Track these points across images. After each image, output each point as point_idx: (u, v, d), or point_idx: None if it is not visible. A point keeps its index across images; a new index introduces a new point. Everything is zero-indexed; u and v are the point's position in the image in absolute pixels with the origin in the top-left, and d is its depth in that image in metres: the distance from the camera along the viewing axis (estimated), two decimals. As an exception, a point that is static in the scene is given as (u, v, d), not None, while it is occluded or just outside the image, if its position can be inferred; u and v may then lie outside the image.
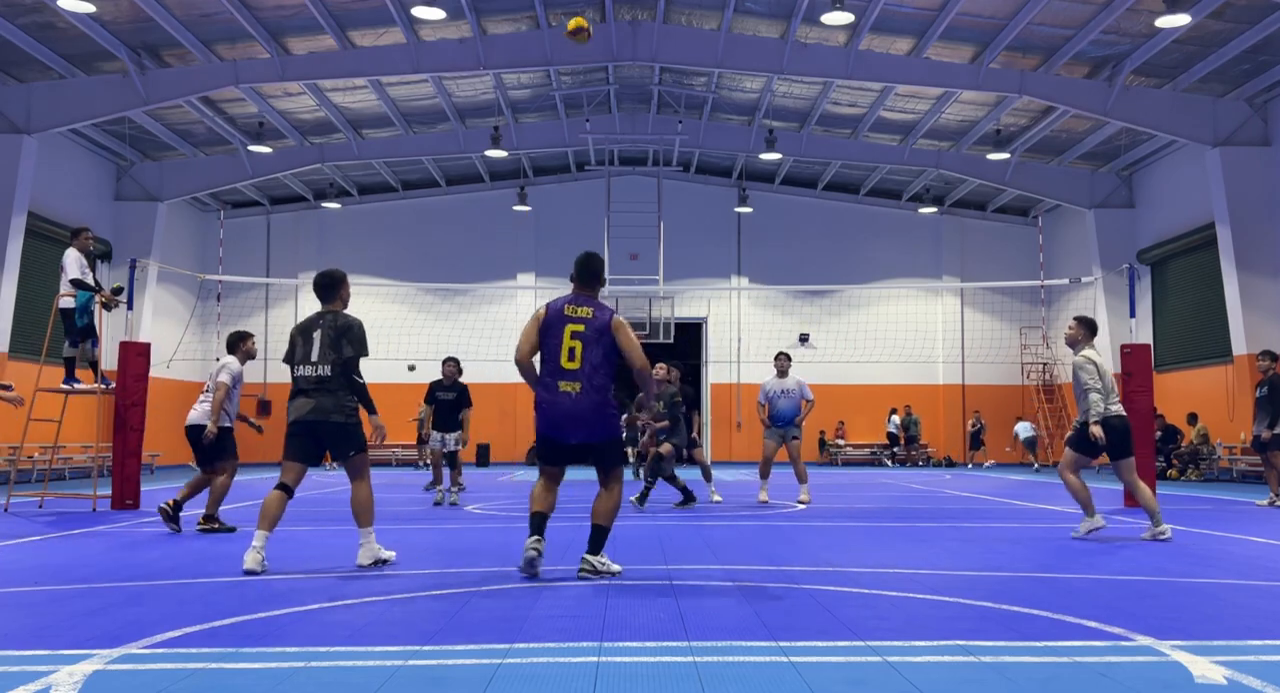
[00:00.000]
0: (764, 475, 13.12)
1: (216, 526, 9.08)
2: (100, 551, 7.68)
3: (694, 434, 13.14)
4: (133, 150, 24.02)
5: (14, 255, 19.27)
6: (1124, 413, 8.62)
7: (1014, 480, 19.83)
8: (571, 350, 6.08)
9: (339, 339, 6.68)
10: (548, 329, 6.17)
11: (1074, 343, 8.76)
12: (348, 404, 6.68)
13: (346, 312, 6.90)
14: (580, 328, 6.11)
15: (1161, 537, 8.28)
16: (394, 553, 6.93)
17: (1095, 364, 8.52)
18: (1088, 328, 8.77)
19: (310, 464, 6.88)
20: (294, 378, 6.84)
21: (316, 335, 6.76)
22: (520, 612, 4.94)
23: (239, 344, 9.39)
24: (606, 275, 6.48)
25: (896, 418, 28.73)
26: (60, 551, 7.67)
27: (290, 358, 6.89)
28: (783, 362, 13.14)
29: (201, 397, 9.41)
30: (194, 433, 9.24)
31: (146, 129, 22.64)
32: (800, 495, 12.82)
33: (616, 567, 6.24)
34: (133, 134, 22.99)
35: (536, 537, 6.06)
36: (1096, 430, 8.36)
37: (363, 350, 6.74)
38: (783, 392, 12.90)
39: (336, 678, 3.65)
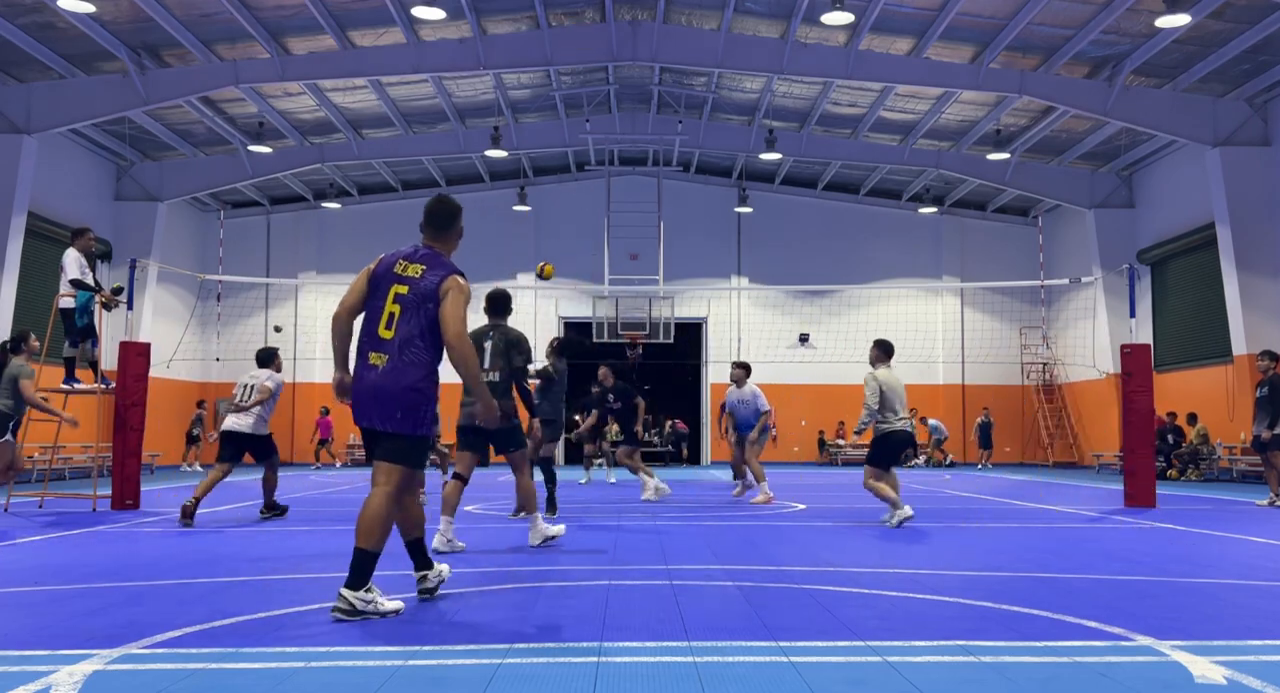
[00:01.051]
0: (739, 475, 14.14)
1: (276, 512, 10.45)
2: (100, 551, 7.68)
3: (637, 429, 13.93)
4: (133, 150, 24.02)
5: (14, 255, 19.28)
6: (908, 429, 9.72)
7: (1014, 481, 19.83)
8: (390, 317, 4.91)
9: (508, 350, 7.63)
10: (375, 286, 5.02)
11: (872, 362, 10.01)
12: (509, 407, 7.48)
13: (510, 325, 7.79)
14: (404, 290, 4.93)
15: (905, 519, 9.15)
16: (563, 527, 7.99)
17: (879, 382, 9.69)
18: (881, 350, 10.15)
19: (480, 459, 7.72)
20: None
21: (488, 345, 7.65)
22: (520, 612, 4.94)
23: (273, 360, 10.49)
24: (462, 227, 5.44)
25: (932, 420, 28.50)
26: (60, 551, 7.67)
27: None
28: (737, 372, 13.57)
29: (239, 403, 10.12)
30: (244, 441, 10.03)
31: (146, 129, 22.64)
32: (758, 496, 13.01)
33: (391, 604, 4.84)
34: (133, 134, 23.00)
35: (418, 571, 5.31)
36: (852, 437, 9.28)
37: (529, 359, 7.73)
38: (739, 401, 13.37)
39: (336, 678, 3.65)
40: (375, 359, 4.89)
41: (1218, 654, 3.98)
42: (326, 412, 27.33)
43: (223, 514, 11.32)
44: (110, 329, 15.21)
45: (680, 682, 3.57)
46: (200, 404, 27.48)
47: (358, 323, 5.08)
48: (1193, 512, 11.78)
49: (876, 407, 9.61)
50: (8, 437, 10.28)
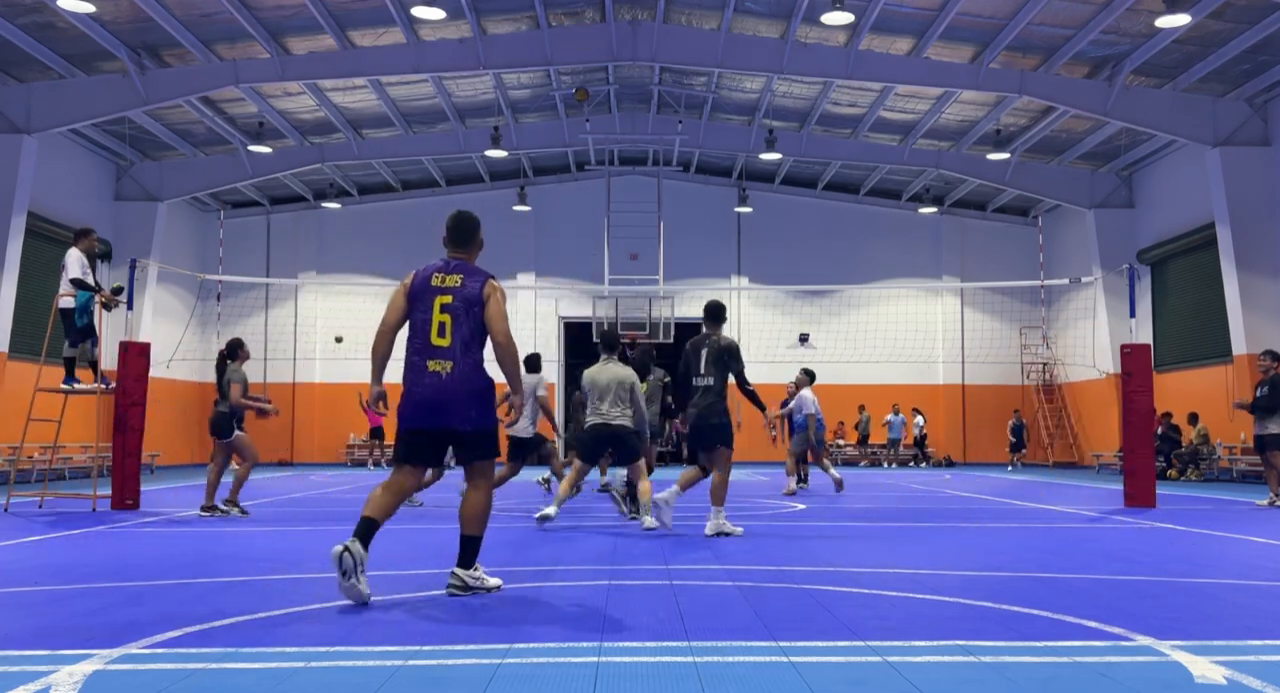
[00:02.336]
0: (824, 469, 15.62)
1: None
2: (100, 551, 7.68)
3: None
4: (133, 150, 24.02)
5: (14, 255, 19.27)
6: (610, 422, 9.37)
7: (1014, 481, 19.83)
8: (441, 326, 5.33)
9: (722, 356, 8.41)
10: (415, 300, 5.43)
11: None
12: (720, 407, 8.40)
13: (725, 333, 8.66)
14: (449, 300, 5.36)
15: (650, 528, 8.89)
16: (742, 529, 8.57)
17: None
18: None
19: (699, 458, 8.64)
20: (694, 389, 8.51)
21: (704, 353, 8.48)
22: (520, 612, 4.94)
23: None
24: (483, 238, 5.97)
25: (921, 419, 28.57)
26: (60, 551, 7.67)
27: (685, 369, 8.61)
28: (802, 377, 15.58)
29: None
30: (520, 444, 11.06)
31: (146, 129, 22.64)
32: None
33: (493, 581, 5.51)
34: (133, 134, 22.99)
35: (356, 539, 5.11)
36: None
37: (743, 364, 8.51)
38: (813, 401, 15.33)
39: (336, 678, 3.64)
40: (436, 366, 5.30)
41: (1218, 654, 3.98)
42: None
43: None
44: (110, 329, 15.21)
45: (680, 682, 3.57)
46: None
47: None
48: (1193, 512, 11.78)
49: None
50: (236, 433, 10.82)
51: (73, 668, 3.76)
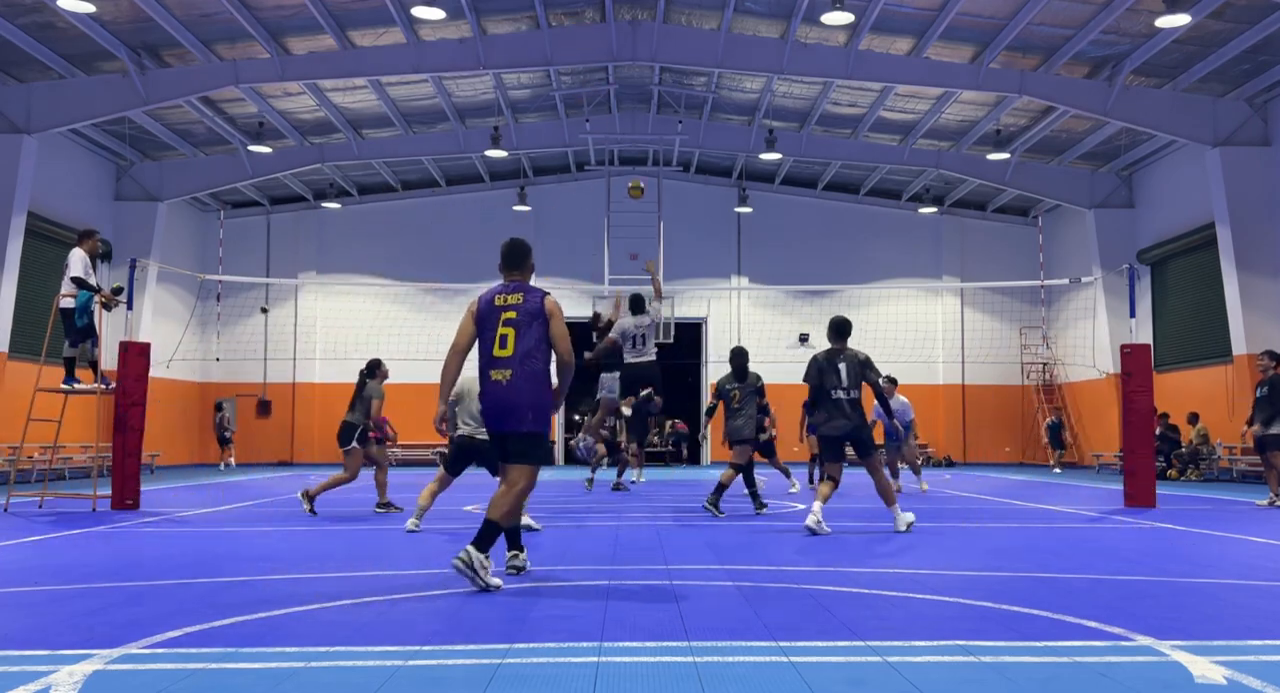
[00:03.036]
0: (895, 475, 15.33)
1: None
2: (100, 551, 7.68)
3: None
4: (133, 150, 24.02)
5: (14, 255, 19.27)
6: (473, 437, 9.29)
7: (1014, 481, 19.83)
8: (503, 338, 5.85)
9: (863, 370, 9.02)
10: (483, 322, 5.96)
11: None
12: (858, 418, 9.00)
13: (855, 347, 9.27)
14: (513, 315, 5.89)
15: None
16: (913, 516, 9.22)
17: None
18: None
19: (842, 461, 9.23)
20: (829, 400, 9.03)
21: (842, 367, 9.03)
22: (520, 612, 4.94)
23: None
24: (533, 261, 6.38)
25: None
26: (60, 551, 7.67)
27: (819, 382, 9.09)
28: (888, 385, 15.93)
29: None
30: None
31: (146, 129, 22.64)
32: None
33: (495, 581, 5.62)
34: (133, 134, 22.99)
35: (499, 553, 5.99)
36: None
37: (879, 374, 9.18)
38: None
39: (336, 678, 3.65)
40: (497, 375, 5.81)
41: (1218, 654, 3.98)
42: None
43: (223, 514, 11.34)
44: (110, 329, 15.21)
45: (680, 682, 3.57)
46: (219, 406, 27.61)
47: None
48: (1193, 512, 11.78)
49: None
50: (354, 445, 11.10)
51: (73, 668, 3.76)
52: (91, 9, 16.46)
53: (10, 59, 18.52)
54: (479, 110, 24.39)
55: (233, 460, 27.03)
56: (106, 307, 12.00)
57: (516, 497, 5.83)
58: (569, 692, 3.46)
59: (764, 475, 22.21)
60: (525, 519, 8.31)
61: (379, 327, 26.84)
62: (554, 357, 5.91)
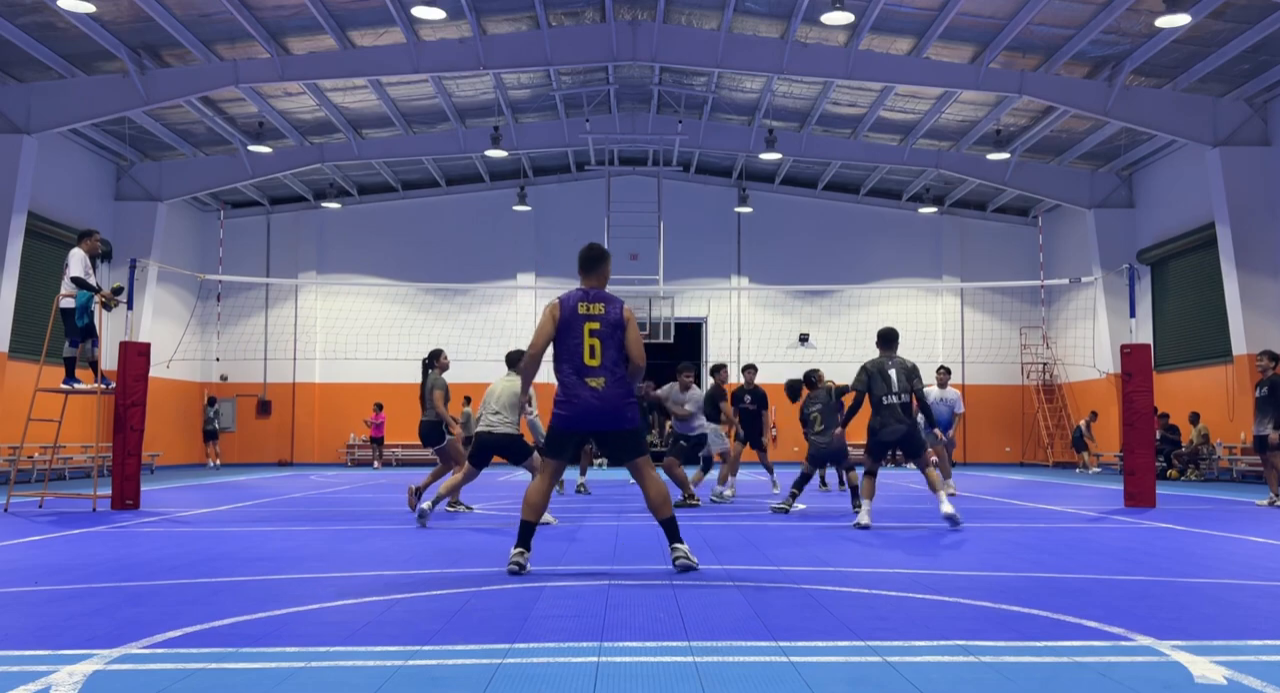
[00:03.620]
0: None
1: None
2: (100, 551, 7.68)
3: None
4: (133, 150, 24.02)
5: (14, 255, 19.27)
6: (493, 430, 9.78)
7: (1014, 481, 19.83)
8: (592, 348, 6.34)
9: (911, 376, 9.44)
10: (566, 327, 6.38)
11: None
12: (911, 421, 9.41)
13: (901, 355, 9.65)
14: (596, 326, 6.36)
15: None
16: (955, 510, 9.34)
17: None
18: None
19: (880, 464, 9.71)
20: (883, 406, 9.42)
21: (892, 373, 9.43)
22: (520, 612, 4.94)
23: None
24: (609, 267, 6.78)
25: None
26: (60, 551, 7.67)
27: (868, 389, 9.48)
28: (942, 375, 15.82)
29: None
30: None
31: (146, 129, 22.64)
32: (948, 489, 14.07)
33: (694, 558, 6.45)
34: (133, 134, 22.99)
35: (521, 548, 6.28)
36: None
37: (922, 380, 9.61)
38: (939, 399, 15.63)
39: (336, 678, 3.65)
40: (593, 382, 6.32)
41: (1218, 654, 3.98)
42: (380, 408, 26.87)
43: (223, 514, 11.34)
44: (110, 329, 15.21)
45: (680, 682, 3.57)
46: (211, 401, 27.65)
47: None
48: (1193, 512, 11.78)
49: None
50: (447, 438, 11.06)
51: (73, 668, 3.76)
52: (91, 9, 16.46)
53: (10, 59, 18.52)
54: (479, 110, 24.39)
55: (218, 459, 26.90)
56: (106, 307, 12.00)
57: (661, 485, 6.49)
58: (569, 692, 3.46)
59: (757, 475, 22.20)
60: (545, 516, 8.94)
61: (379, 327, 26.87)
62: (630, 359, 6.46)
